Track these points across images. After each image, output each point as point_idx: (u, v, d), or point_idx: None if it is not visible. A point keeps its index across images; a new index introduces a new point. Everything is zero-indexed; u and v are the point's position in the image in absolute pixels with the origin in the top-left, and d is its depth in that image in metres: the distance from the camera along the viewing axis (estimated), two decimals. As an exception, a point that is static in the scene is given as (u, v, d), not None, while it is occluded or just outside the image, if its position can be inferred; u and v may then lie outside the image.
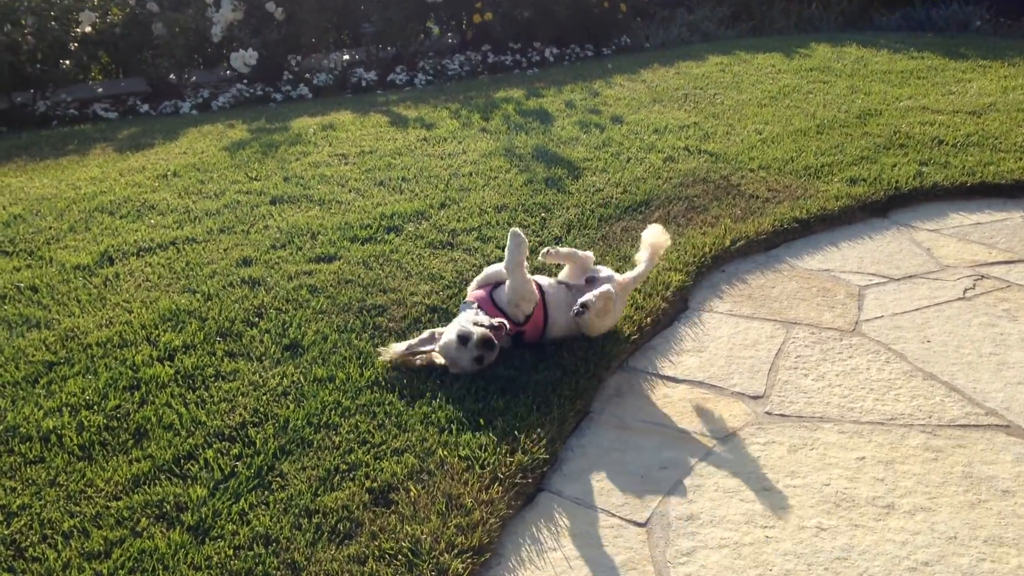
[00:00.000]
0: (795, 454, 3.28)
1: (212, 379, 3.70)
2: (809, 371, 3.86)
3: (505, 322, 3.60)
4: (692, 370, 3.90)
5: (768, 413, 3.56)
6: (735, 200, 5.71)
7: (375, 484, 3.02)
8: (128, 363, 3.78)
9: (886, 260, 4.97)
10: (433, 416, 3.41)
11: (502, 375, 3.65)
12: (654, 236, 4.15)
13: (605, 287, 3.74)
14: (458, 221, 5.45)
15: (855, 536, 2.87)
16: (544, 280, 3.96)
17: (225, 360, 3.84)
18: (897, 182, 5.86)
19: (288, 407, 3.48)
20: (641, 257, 4.13)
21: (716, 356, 4.01)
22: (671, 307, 4.40)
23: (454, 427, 3.33)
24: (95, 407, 3.48)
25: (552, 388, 3.56)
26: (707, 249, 4.91)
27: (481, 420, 3.36)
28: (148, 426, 3.36)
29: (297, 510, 2.92)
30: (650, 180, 6.07)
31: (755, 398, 3.66)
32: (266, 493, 3.01)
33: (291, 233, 5.32)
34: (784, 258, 5.04)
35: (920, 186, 5.83)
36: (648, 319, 4.19)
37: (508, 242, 3.72)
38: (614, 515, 3.01)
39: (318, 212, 5.74)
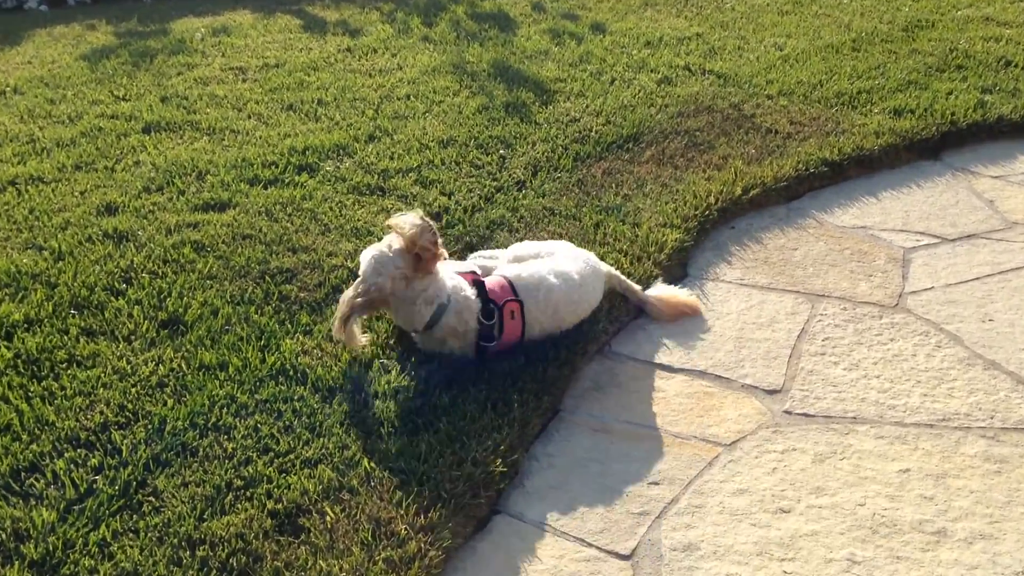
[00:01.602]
0: (821, 465, 3.28)
1: (64, 366, 3.61)
2: (840, 358, 3.85)
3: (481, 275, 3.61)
4: (692, 356, 3.87)
5: (788, 412, 3.55)
6: (748, 136, 5.67)
7: (280, 506, 2.97)
8: (-50, 344, 3.69)
9: (938, 215, 4.99)
10: (357, 416, 3.35)
11: (448, 363, 3.61)
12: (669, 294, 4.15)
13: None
14: (391, 159, 5.37)
15: (897, 571, 2.88)
16: (516, 273, 3.75)
17: (82, 341, 3.74)
18: (953, 114, 5.87)
19: (165, 403, 3.41)
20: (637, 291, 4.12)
21: (722, 338, 3.99)
22: (666, 274, 4.36)
23: (384, 430, 3.28)
24: (-95, 403, 3.38)
25: (512, 380, 3.52)
26: (712, 199, 4.88)
27: (419, 421, 3.32)
28: (-23, 428, 3.27)
29: (176, 540, 2.85)
30: (640, 108, 6.01)
31: (771, 393, 3.65)
32: (135, 517, 2.94)
33: (170, 172, 5.20)
34: (810, 211, 5.03)
35: (982, 120, 5.85)
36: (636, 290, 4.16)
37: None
38: (590, 545, 2.98)
39: (206, 144, 5.62)
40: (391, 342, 3.75)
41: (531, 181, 5.09)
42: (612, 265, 4.21)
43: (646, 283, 4.21)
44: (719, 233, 4.81)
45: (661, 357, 3.87)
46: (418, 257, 3.50)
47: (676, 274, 4.44)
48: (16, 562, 2.79)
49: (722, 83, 6.45)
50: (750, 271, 4.48)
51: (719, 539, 2.99)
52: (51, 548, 2.83)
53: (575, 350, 3.74)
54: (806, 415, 3.53)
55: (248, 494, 3.02)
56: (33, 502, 2.99)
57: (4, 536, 2.87)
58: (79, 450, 3.20)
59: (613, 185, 5.06)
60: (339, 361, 3.63)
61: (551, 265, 3.81)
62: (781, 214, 5.01)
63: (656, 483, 3.21)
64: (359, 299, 3.50)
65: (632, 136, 5.63)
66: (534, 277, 3.73)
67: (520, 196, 4.92)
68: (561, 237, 4.49)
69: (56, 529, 2.89)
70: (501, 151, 5.44)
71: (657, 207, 4.77)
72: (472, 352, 3.62)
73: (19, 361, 3.62)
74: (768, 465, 3.28)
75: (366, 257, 3.60)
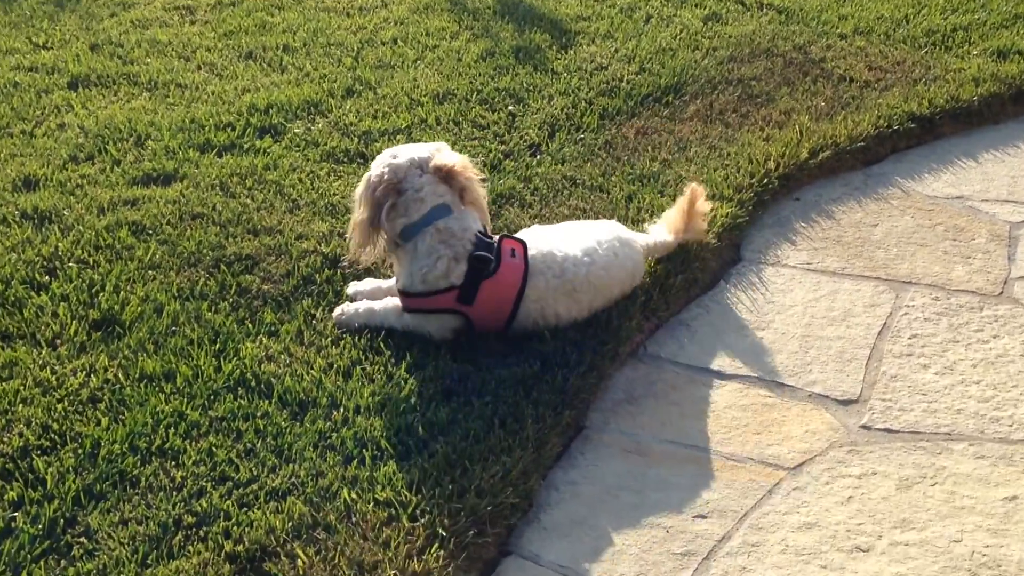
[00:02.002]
0: (908, 492, 3.28)
1: (-26, 377, 3.63)
2: (931, 360, 3.85)
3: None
4: (747, 359, 3.87)
5: (866, 427, 3.54)
6: (816, 85, 5.65)
7: (240, 547, 2.97)
8: None
9: (1053, 181, 5.00)
10: (334, 436, 3.36)
11: (447, 369, 3.61)
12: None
13: None
14: (374, 118, 5.36)
15: (1001, 622, 2.88)
16: (534, 238, 3.87)
17: (-5, 346, 3.77)
18: (1071, 57, 5.86)
19: (99, 423, 3.42)
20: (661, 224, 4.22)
21: (785, 336, 3.98)
22: (715, 257, 4.36)
23: (368, 454, 3.28)
24: None
25: (525, 390, 3.52)
26: (772, 164, 4.87)
27: (411, 442, 3.32)
28: None
29: (114, 590, 2.87)
30: (682, 53, 5.98)
31: (846, 403, 3.65)
32: (63, 563, 2.95)
33: (102, 137, 5.21)
34: (893, 178, 5.03)
35: (1107, 63, 5.83)
36: (678, 277, 4.16)
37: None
38: (623, 592, 3.00)
39: (147, 102, 5.61)
40: (375, 343, 3.76)
41: (547, 144, 5.09)
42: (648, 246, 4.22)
43: (690, 271, 4.21)
44: (780, 206, 4.80)
45: (708, 360, 3.87)
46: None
47: (727, 257, 4.43)
48: (-81, 618, 2.81)
49: (783, 20, 6.43)
50: (819, 253, 4.47)
51: (781, 585, 3.00)
52: (-39, 601, 2.85)
53: (602, 352, 3.73)
54: (889, 431, 3.52)
55: (201, 533, 3.02)
56: (-61, 544, 3.00)
57: (-96, 586, 2.89)
58: (-6, 480, 3.20)
59: (649, 148, 5.05)
60: (311, 368, 3.64)
61: (569, 234, 3.91)
62: (857, 182, 4.99)
63: (703, 516, 3.21)
64: (379, 188, 3.71)
65: (672, 87, 5.61)
66: (549, 249, 3.81)
67: (534, 163, 4.93)
68: (584, 212, 4.50)
69: (-33, 577, 2.90)
70: (510, 107, 5.44)
71: (704, 175, 4.76)
72: (457, 303, 3.68)
73: (-80, 371, 3.63)
74: (842, 493, 3.28)
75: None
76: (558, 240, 3.87)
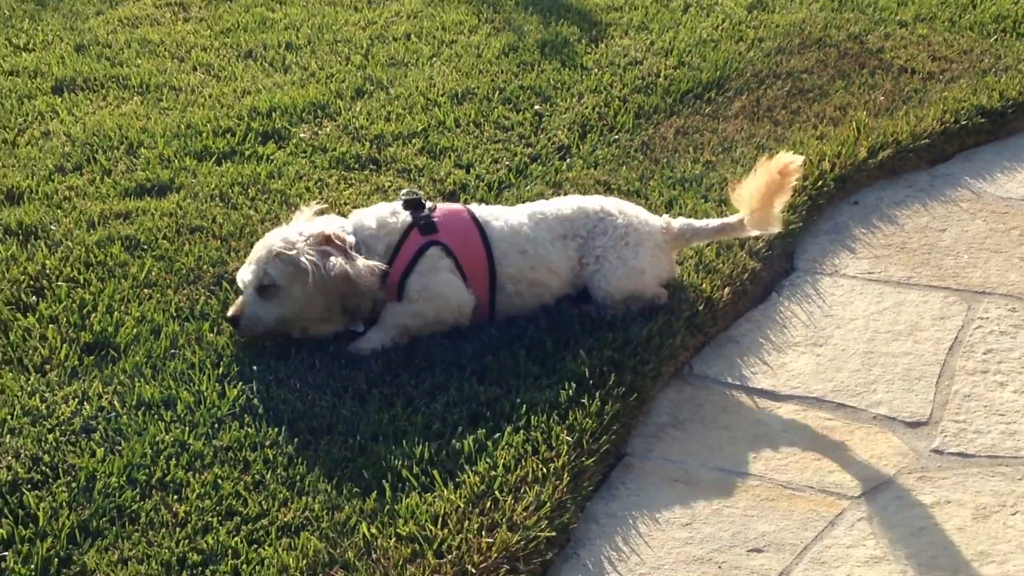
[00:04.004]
0: (986, 522, 3.26)
1: (-44, 406, 3.64)
2: (1008, 377, 3.83)
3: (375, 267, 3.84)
4: (804, 378, 3.87)
5: (938, 451, 3.53)
6: (875, 78, 5.64)
7: (250, 588, 2.99)
8: None
9: None
10: (351, 467, 3.36)
11: (472, 393, 3.62)
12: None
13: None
14: (387, 121, 5.37)
15: (1093, 664, 2.87)
16: (492, 213, 4.06)
17: (-22, 372, 3.79)
18: None
19: (93, 454, 3.42)
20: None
21: (845, 353, 3.97)
22: (766, 267, 4.36)
23: (387, 485, 3.28)
24: None
25: (560, 415, 3.52)
26: (827, 165, 4.87)
27: (435, 472, 3.32)
28: None
29: (112, 637, 2.89)
30: (725, 44, 6.00)
31: (915, 426, 3.64)
32: (56, 607, 2.96)
33: (91, 145, 5.22)
34: (962, 179, 5.02)
35: None
36: (726, 290, 4.16)
37: None
38: (672, 635, 3.01)
39: (138, 107, 5.64)
40: (392, 366, 3.77)
41: (578, 146, 5.11)
42: (692, 255, 4.22)
43: (739, 283, 4.21)
44: (838, 211, 4.80)
45: (761, 380, 3.87)
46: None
47: (779, 267, 4.44)
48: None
49: (837, 6, 6.43)
50: (881, 261, 4.47)
51: (847, 625, 3.00)
52: (-55, 650, 2.86)
53: (643, 373, 3.74)
54: (963, 455, 3.51)
55: (208, 573, 3.02)
56: (-80, 589, 3.02)
57: None
58: (-21, 518, 3.22)
59: (690, 149, 5.06)
60: (324, 393, 3.64)
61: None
62: (922, 183, 4.99)
63: (759, 550, 3.21)
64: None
65: (715, 82, 5.63)
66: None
67: (563, 167, 4.95)
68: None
69: (-49, 625, 2.91)
70: (536, 107, 5.46)
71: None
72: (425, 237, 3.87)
73: None
74: (913, 524, 3.27)
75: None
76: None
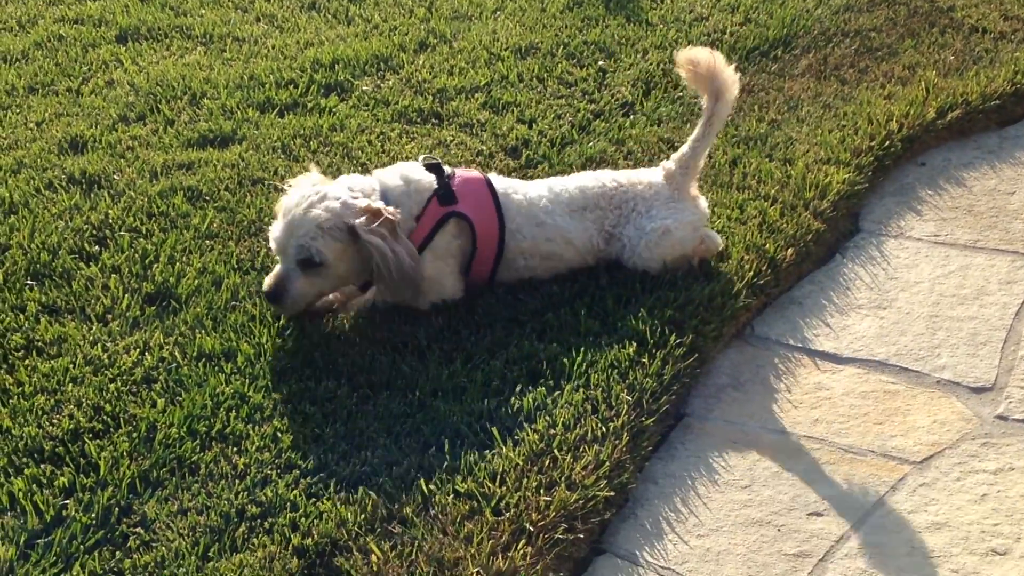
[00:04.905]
0: (1050, 491, 3.25)
1: (20, 355, 3.68)
2: (1076, 344, 3.81)
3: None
4: (867, 341, 3.85)
5: (1002, 417, 3.50)
6: (944, 37, 5.58)
7: (309, 541, 3.00)
8: None
9: None
10: (410, 422, 3.38)
11: (532, 350, 3.63)
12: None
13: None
14: (450, 75, 5.37)
15: None
16: (512, 186, 4.03)
17: (43, 321, 3.81)
18: None
19: (154, 404, 3.46)
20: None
21: (910, 316, 3.95)
22: (830, 228, 4.34)
23: (446, 440, 3.30)
24: None
25: (620, 374, 3.53)
26: (894, 125, 4.82)
27: (494, 429, 3.33)
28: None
29: (173, 585, 2.93)
30: (793, 1, 5.94)
31: (979, 391, 3.61)
32: (119, 555, 2.99)
33: (154, 95, 5.26)
34: (1033, 141, 4.98)
35: None
36: (789, 251, 4.14)
37: None
38: (729, 597, 3.01)
39: (202, 57, 5.67)
40: (452, 322, 3.78)
41: (641, 103, 5.08)
42: (755, 215, 4.20)
43: (802, 243, 4.19)
44: (904, 172, 4.76)
45: (823, 342, 3.85)
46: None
47: (844, 228, 4.41)
48: (-34, 614, 2.88)
49: (908, -37, 6.35)
50: (948, 224, 4.43)
51: (906, 591, 2.99)
52: (10, 595, 2.90)
53: (704, 333, 3.73)
54: (1028, 422, 3.49)
55: (267, 525, 3.05)
56: (-15, 533, 3.06)
57: (-51, 577, 2.95)
58: (43, 465, 3.25)
59: (755, 107, 5.03)
60: (384, 347, 3.66)
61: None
62: (992, 145, 4.94)
63: (819, 514, 3.20)
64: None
65: (781, 39, 5.58)
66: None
67: (627, 124, 4.93)
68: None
69: (15, 569, 2.94)
70: (600, 62, 5.44)
71: (817, 137, 4.73)
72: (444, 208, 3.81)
73: (-38, 348, 3.70)
74: (976, 490, 3.25)
75: None
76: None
